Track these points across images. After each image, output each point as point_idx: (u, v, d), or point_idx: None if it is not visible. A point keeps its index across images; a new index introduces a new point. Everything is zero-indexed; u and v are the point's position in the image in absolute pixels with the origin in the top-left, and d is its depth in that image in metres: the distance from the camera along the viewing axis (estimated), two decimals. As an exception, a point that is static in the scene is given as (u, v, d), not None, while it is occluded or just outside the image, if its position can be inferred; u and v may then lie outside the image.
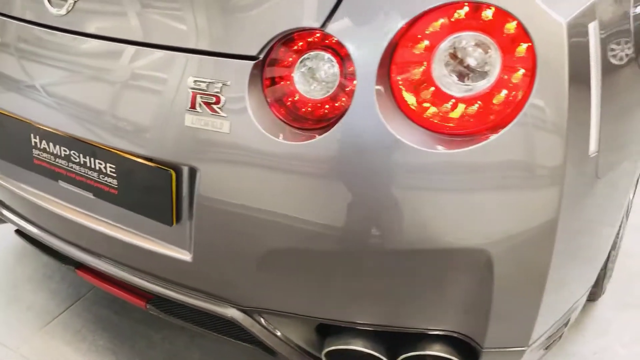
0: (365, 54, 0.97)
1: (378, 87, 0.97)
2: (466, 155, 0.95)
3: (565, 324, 1.31)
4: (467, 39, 0.97)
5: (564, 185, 0.97)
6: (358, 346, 1.18)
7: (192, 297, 1.25)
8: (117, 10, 1.15)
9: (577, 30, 0.95)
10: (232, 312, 1.22)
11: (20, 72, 1.31)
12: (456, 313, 1.09)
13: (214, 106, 1.04)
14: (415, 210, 0.99)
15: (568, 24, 0.93)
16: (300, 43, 1.04)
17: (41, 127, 1.29)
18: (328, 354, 1.22)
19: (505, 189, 0.97)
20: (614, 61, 1.06)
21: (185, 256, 1.19)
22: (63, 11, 1.18)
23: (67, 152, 1.28)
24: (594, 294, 1.58)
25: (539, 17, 0.93)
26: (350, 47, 0.97)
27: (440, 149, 0.96)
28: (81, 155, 1.26)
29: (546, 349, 1.31)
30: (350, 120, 0.98)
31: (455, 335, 1.13)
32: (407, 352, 1.16)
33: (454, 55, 0.98)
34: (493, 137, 0.94)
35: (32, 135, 1.33)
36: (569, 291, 1.21)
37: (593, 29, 0.98)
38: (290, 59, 1.04)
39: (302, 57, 1.03)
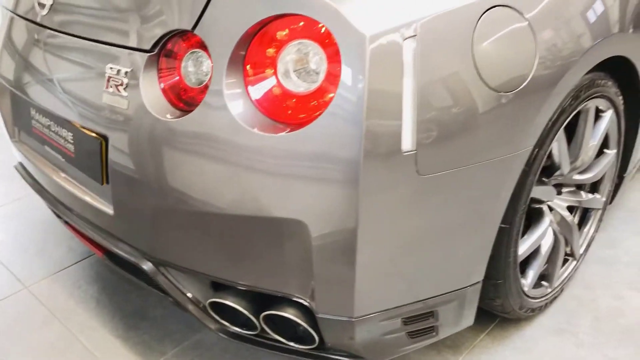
0: (219, 53, 1.21)
1: (229, 80, 1.21)
2: (282, 141, 1.16)
3: (433, 316, 1.43)
4: (305, 46, 1.19)
5: (364, 177, 1.14)
6: (228, 300, 1.40)
7: (121, 250, 1.54)
8: (78, 13, 1.50)
9: (385, 44, 1.12)
10: (146, 265, 1.49)
11: (25, 63, 1.69)
12: (295, 279, 1.28)
13: (120, 87, 1.33)
14: (247, 183, 1.21)
15: (371, 38, 1.11)
16: (185, 42, 1.30)
17: (34, 103, 1.66)
18: (210, 304, 1.45)
19: (314, 175, 1.16)
20: (449, 76, 1.20)
21: (110, 210, 1.48)
22: (45, 11, 1.54)
23: (49, 123, 1.64)
24: (503, 306, 1.65)
25: (347, 31, 1.12)
26: (209, 47, 1.23)
27: (266, 134, 1.18)
28: (56, 125, 1.61)
29: (412, 337, 1.44)
30: (208, 103, 1.23)
31: (298, 299, 1.31)
32: (264, 311, 1.37)
33: (293, 59, 1.20)
34: (302, 129, 1.15)
35: (31, 109, 1.70)
36: (414, 282, 1.34)
37: (410, 43, 1.15)
38: (179, 54, 1.31)
39: (188, 52, 1.30)
